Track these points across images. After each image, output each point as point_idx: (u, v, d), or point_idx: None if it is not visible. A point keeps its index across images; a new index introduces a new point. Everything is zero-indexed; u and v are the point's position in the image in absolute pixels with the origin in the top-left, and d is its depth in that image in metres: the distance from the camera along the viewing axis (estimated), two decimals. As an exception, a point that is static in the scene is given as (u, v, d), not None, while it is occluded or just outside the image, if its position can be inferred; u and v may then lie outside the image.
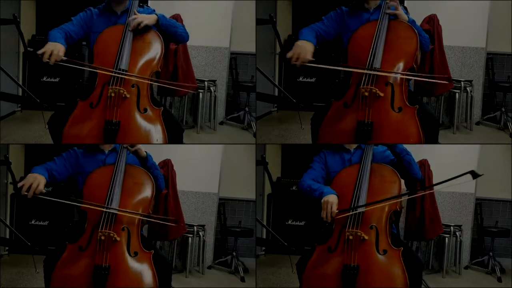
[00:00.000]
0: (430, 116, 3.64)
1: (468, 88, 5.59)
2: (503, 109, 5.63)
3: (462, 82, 5.56)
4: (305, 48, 3.49)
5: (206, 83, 5.65)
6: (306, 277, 3.49)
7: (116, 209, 3.44)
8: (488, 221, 5.62)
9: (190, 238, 5.38)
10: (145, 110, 3.53)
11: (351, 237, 3.38)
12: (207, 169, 5.62)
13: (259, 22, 5.25)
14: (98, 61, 3.55)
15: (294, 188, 5.71)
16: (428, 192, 3.41)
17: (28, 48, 3.51)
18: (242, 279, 5.24)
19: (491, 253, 5.39)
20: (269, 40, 5.80)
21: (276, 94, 5.98)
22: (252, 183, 5.38)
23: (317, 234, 3.61)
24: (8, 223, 5.43)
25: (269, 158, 5.38)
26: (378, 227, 3.41)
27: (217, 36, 5.79)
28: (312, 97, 5.81)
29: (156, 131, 3.55)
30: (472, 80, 5.64)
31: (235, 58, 5.86)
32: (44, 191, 3.42)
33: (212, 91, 5.69)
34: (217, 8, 5.76)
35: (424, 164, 4.84)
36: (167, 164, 4.87)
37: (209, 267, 5.55)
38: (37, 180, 3.42)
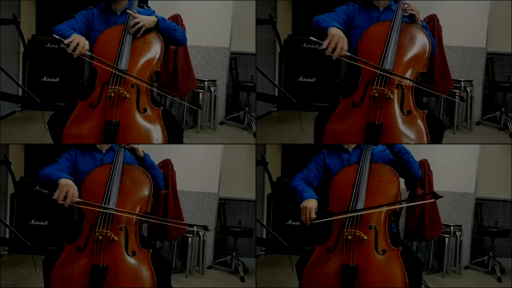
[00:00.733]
0: (437, 120, 3.62)
1: (468, 88, 5.59)
2: (503, 109, 5.63)
3: (462, 82, 5.56)
4: (342, 38, 3.35)
5: (206, 83, 5.65)
6: (305, 277, 3.49)
7: (113, 209, 3.44)
8: (488, 221, 5.62)
9: (190, 238, 5.38)
10: (145, 110, 3.54)
11: (350, 237, 3.38)
12: (207, 169, 5.62)
13: (259, 22, 5.25)
14: (98, 61, 3.55)
15: (294, 188, 5.70)
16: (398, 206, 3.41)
17: (54, 35, 3.48)
18: (242, 279, 5.24)
19: (491, 253, 5.39)
20: (269, 40, 5.80)
21: (276, 94, 5.97)
22: (252, 183, 5.38)
23: (316, 234, 3.60)
24: (8, 223, 5.43)
25: (269, 158, 5.38)
26: (377, 227, 3.41)
27: (217, 36, 5.79)
28: (312, 97, 5.81)
29: (156, 131, 3.55)
30: (472, 80, 5.64)
31: (235, 58, 5.86)
32: (88, 53, 3.45)
33: (212, 91, 5.69)
34: (217, 8, 5.76)
35: (424, 164, 4.84)
36: (167, 164, 4.87)
37: (209, 267, 5.55)
38: (72, 188, 3.39)
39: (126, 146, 3.59)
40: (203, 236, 5.45)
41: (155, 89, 3.66)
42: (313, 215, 3.41)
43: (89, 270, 3.38)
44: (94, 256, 3.39)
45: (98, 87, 3.54)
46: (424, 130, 3.44)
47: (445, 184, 5.43)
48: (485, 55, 5.70)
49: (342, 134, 3.54)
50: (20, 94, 5.65)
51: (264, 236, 5.69)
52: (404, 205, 3.44)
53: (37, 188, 5.46)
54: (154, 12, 3.79)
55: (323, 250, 3.46)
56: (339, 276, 3.37)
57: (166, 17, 3.79)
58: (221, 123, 5.78)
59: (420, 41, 3.51)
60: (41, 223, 5.50)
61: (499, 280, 5.21)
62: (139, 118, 3.52)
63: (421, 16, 5.01)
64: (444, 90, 4.51)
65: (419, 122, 3.44)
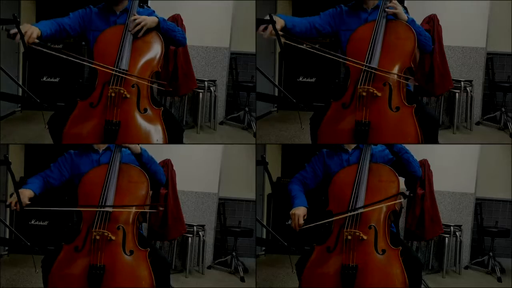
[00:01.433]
0: (429, 116, 3.65)
1: (468, 88, 5.59)
2: (503, 109, 5.62)
3: (462, 82, 5.56)
4: (279, 22, 3.59)
5: (206, 83, 5.65)
6: (305, 277, 3.49)
7: (110, 206, 3.45)
8: (488, 221, 5.62)
9: (190, 238, 5.38)
10: (145, 110, 3.54)
11: (349, 237, 3.38)
12: (207, 169, 5.62)
13: (259, 22, 5.24)
14: (98, 60, 3.56)
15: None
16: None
17: (2, 26, 3.53)
18: (242, 279, 5.24)
19: (491, 253, 5.39)
20: (269, 40, 5.78)
21: (276, 94, 5.97)
22: (252, 183, 5.38)
23: (316, 234, 3.61)
24: (8, 223, 5.43)
25: (269, 158, 5.38)
26: (376, 227, 3.41)
27: (217, 36, 5.79)
28: (312, 97, 5.81)
29: (156, 131, 3.56)
30: (472, 80, 5.64)
31: (235, 58, 5.86)
32: (28, 202, 3.54)
33: (212, 91, 5.68)
34: (217, 8, 5.75)
35: (424, 164, 4.84)
36: (167, 164, 4.86)
37: (209, 267, 5.55)
38: (31, 29, 3.45)
39: (123, 145, 3.60)
40: (203, 236, 5.45)
41: (154, 85, 3.65)
42: (301, 222, 3.53)
43: (87, 270, 3.38)
44: (92, 255, 3.39)
45: (99, 87, 3.54)
46: (414, 125, 3.46)
47: (445, 184, 5.44)
48: (485, 55, 5.70)
49: (334, 136, 3.58)
50: (20, 94, 5.65)
51: (264, 236, 5.69)
52: (377, 206, 3.44)
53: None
54: (154, 12, 3.79)
55: (323, 250, 3.47)
56: (339, 276, 3.38)
57: (166, 17, 3.80)
58: (221, 123, 5.78)
59: (405, 38, 3.53)
60: (41, 223, 5.50)
61: (499, 280, 5.21)
62: (140, 118, 3.53)
63: (421, 16, 5.07)
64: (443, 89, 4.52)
65: (408, 117, 3.46)
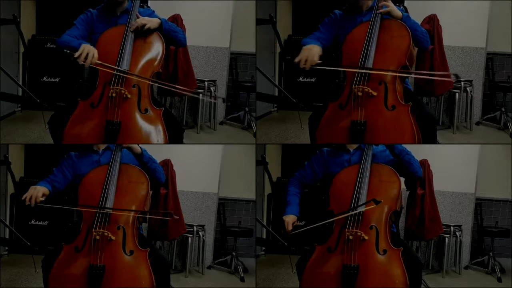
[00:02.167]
0: (427, 114, 3.65)
1: (468, 88, 5.59)
2: (503, 109, 5.63)
3: (462, 82, 5.56)
4: (312, 51, 3.54)
5: (206, 83, 5.65)
6: (306, 277, 3.49)
7: (110, 208, 3.45)
8: (488, 221, 5.62)
9: (189, 238, 5.38)
10: (146, 110, 3.54)
11: (351, 237, 3.38)
12: (207, 169, 5.62)
13: (259, 22, 5.25)
14: (100, 61, 3.55)
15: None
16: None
17: (65, 49, 3.58)
18: (242, 279, 5.24)
19: (491, 253, 5.39)
20: (269, 40, 5.80)
21: (276, 94, 5.97)
22: (252, 183, 5.38)
23: (317, 234, 3.62)
24: (8, 223, 5.43)
25: (269, 158, 5.38)
26: (378, 227, 3.41)
27: (217, 36, 5.79)
28: (312, 97, 5.81)
29: (156, 132, 3.56)
30: (472, 80, 5.64)
31: (235, 58, 5.86)
32: (42, 199, 3.50)
33: (212, 91, 5.68)
34: (217, 8, 5.75)
35: (424, 164, 4.84)
36: (167, 164, 4.87)
37: (209, 267, 5.55)
38: (37, 190, 3.50)
39: (124, 145, 3.60)
40: (203, 236, 5.45)
41: (157, 84, 3.65)
42: (289, 228, 3.65)
43: (87, 270, 3.38)
44: (92, 255, 3.39)
45: (100, 87, 3.54)
46: (410, 123, 3.47)
47: (445, 184, 5.44)
48: (485, 55, 5.70)
49: (332, 136, 3.59)
50: (20, 94, 5.65)
51: (264, 236, 5.69)
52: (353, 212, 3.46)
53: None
54: (154, 12, 3.80)
55: (323, 250, 3.47)
56: (340, 276, 3.38)
57: (166, 17, 3.80)
58: (221, 123, 5.78)
59: (399, 36, 3.54)
60: (41, 223, 5.50)
61: (499, 280, 5.21)
62: (140, 119, 3.53)
63: (421, 16, 5.08)
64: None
65: (405, 115, 3.47)
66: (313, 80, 6.01)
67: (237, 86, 5.87)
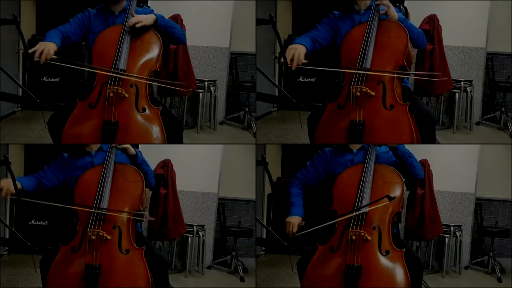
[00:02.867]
0: (425, 113, 3.65)
1: (468, 88, 5.59)
2: (503, 109, 5.62)
3: (462, 82, 5.56)
4: (297, 49, 3.56)
5: (206, 83, 5.65)
6: (307, 276, 3.49)
7: (104, 209, 3.45)
8: (488, 221, 5.62)
9: (189, 238, 5.38)
10: (144, 109, 3.54)
11: (354, 237, 3.38)
12: (207, 169, 5.62)
13: (259, 22, 5.24)
14: (97, 61, 3.56)
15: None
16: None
17: (20, 48, 3.56)
18: (242, 279, 5.24)
19: (491, 253, 5.39)
20: (269, 40, 5.79)
21: (276, 94, 5.97)
22: (252, 183, 5.38)
23: (319, 233, 3.60)
24: (7, 223, 5.43)
25: (269, 158, 5.37)
26: (381, 228, 3.41)
27: (217, 36, 5.79)
28: (312, 97, 5.81)
29: (155, 131, 3.56)
30: (472, 80, 5.64)
31: (235, 58, 5.86)
32: (54, 57, 3.47)
33: (212, 91, 5.68)
34: (217, 8, 5.75)
35: (424, 164, 4.84)
36: (166, 164, 4.87)
37: (209, 267, 5.55)
38: (48, 47, 3.47)
39: (118, 147, 3.60)
40: (202, 236, 5.45)
41: (155, 84, 3.65)
42: (294, 230, 3.61)
43: (83, 270, 3.39)
44: (88, 255, 3.40)
45: (97, 87, 3.54)
46: (408, 122, 3.48)
47: (445, 184, 5.44)
48: (485, 55, 5.70)
49: (331, 136, 3.60)
50: (20, 94, 5.65)
51: (264, 236, 5.69)
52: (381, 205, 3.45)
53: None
54: (153, 11, 3.79)
55: (325, 249, 3.46)
56: (341, 276, 3.37)
57: (166, 17, 3.79)
58: (221, 123, 5.78)
59: (396, 35, 3.55)
60: (41, 223, 5.50)
61: (499, 280, 5.21)
62: (138, 118, 3.53)
63: (421, 16, 5.08)
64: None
65: (403, 114, 3.48)
66: (313, 80, 6.01)
67: (237, 86, 5.87)
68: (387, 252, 3.38)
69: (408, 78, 3.66)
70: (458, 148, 5.50)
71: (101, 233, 3.41)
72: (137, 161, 3.67)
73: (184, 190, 5.41)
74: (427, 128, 3.60)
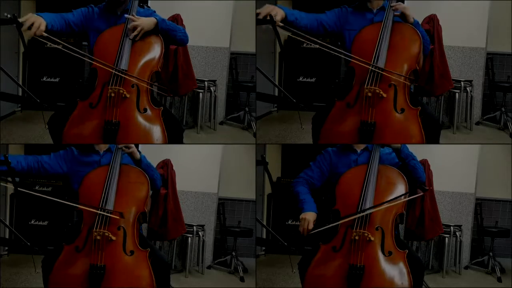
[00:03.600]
0: (432, 118, 3.65)
1: (468, 88, 5.59)
2: (503, 109, 5.63)
3: (462, 82, 5.56)
4: (275, 9, 3.54)
5: (206, 83, 5.65)
6: (309, 276, 3.48)
7: (110, 210, 3.45)
8: (488, 221, 5.62)
9: (189, 238, 5.38)
10: (145, 110, 3.54)
11: (357, 238, 3.38)
12: (207, 169, 5.62)
13: (259, 22, 5.24)
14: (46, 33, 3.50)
15: (294, 188, 5.71)
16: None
17: (7, 14, 3.41)
18: (242, 279, 5.24)
19: (491, 253, 5.39)
20: (269, 40, 5.80)
21: (276, 94, 5.97)
22: (252, 183, 5.38)
23: (321, 233, 3.59)
24: (7, 223, 5.43)
25: (269, 158, 5.37)
26: (384, 229, 3.41)
27: (217, 36, 5.79)
28: (312, 97, 5.81)
29: (156, 131, 3.56)
30: (472, 80, 5.64)
31: (235, 58, 5.86)
32: (45, 34, 3.35)
33: (212, 91, 5.68)
34: (217, 8, 5.75)
35: (424, 164, 4.84)
36: (166, 164, 4.86)
37: (209, 267, 5.55)
38: (39, 20, 3.38)
39: (126, 150, 3.60)
40: (202, 236, 5.45)
41: (154, 88, 3.65)
42: (310, 227, 3.53)
43: (87, 270, 3.38)
44: (92, 255, 3.40)
45: (98, 88, 3.54)
46: (418, 127, 3.48)
47: (445, 184, 5.44)
48: (485, 55, 5.70)
49: (338, 135, 3.58)
50: (20, 94, 5.65)
51: (264, 236, 5.69)
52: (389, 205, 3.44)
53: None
54: (154, 12, 3.79)
55: (328, 249, 3.46)
56: (344, 276, 3.37)
57: (166, 17, 3.79)
58: (221, 123, 5.78)
59: (411, 40, 3.54)
60: (41, 223, 5.50)
61: (499, 280, 5.21)
62: (139, 118, 3.53)
63: (421, 16, 5.06)
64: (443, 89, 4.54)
65: (413, 119, 3.48)
66: (313, 80, 6.01)
67: (237, 86, 5.87)
68: (390, 253, 3.38)
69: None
70: (458, 148, 5.50)
71: (106, 234, 3.41)
72: (141, 166, 3.67)
73: (184, 190, 5.41)
74: (433, 132, 3.60)
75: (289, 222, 5.73)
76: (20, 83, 5.66)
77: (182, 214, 5.07)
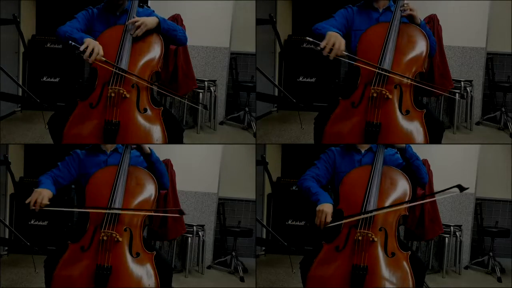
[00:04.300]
0: (436, 120, 3.65)
1: (468, 88, 5.59)
2: (503, 109, 5.63)
3: (462, 82, 5.56)
4: (339, 39, 3.40)
5: (206, 83, 5.65)
6: (311, 276, 3.47)
7: (118, 209, 3.45)
8: (488, 221, 5.62)
9: (189, 238, 5.38)
10: (145, 110, 3.54)
11: (360, 238, 3.37)
12: (207, 169, 5.62)
13: (259, 22, 5.25)
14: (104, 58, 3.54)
15: (294, 188, 5.71)
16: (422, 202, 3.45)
17: (70, 41, 3.48)
18: (242, 279, 5.24)
19: (491, 253, 5.39)
20: (269, 40, 5.80)
21: (276, 94, 5.97)
22: (252, 183, 5.38)
23: (321, 232, 3.57)
24: (7, 223, 5.43)
25: (269, 158, 5.38)
26: (387, 230, 3.41)
27: (217, 36, 5.79)
28: (312, 97, 5.81)
29: (156, 131, 3.55)
30: (472, 80, 5.64)
31: (235, 58, 5.86)
32: (48, 203, 3.45)
33: (212, 91, 5.68)
34: (217, 8, 5.75)
35: (424, 164, 4.84)
36: (166, 164, 4.85)
37: (209, 267, 5.55)
38: (41, 195, 3.45)
39: (133, 146, 3.60)
40: (202, 236, 5.45)
41: (155, 88, 3.65)
42: (329, 219, 3.42)
43: (93, 270, 3.39)
44: (99, 256, 3.39)
45: (98, 88, 3.54)
46: (422, 130, 3.48)
47: (445, 184, 5.42)
48: (485, 55, 5.70)
49: (342, 134, 3.57)
50: (20, 94, 5.65)
51: (264, 236, 5.69)
52: (427, 200, 3.43)
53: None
54: (153, 11, 3.79)
55: (331, 249, 3.45)
56: (347, 276, 3.37)
57: (166, 17, 3.79)
58: (221, 123, 5.78)
59: (418, 42, 3.54)
60: (41, 223, 5.50)
61: (499, 280, 5.21)
62: (139, 118, 3.53)
63: (421, 16, 5.05)
64: (443, 89, 4.52)
65: (418, 121, 3.48)
66: (313, 80, 6.01)
67: (237, 86, 5.87)
68: (393, 254, 3.38)
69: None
70: (458, 148, 5.50)
71: (114, 234, 3.41)
72: (152, 159, 3.67)
73: (184, 190, 5.41)
74: (436, 135, 3.59)
75: (289, 222, 5.72)
76: (20, 83, 5.66)
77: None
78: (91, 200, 3.52)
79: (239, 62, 5.88)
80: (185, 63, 5.21)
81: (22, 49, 5.65)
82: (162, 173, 3.72)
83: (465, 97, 5.55)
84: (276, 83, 5.96)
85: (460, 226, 5.48)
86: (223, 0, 5.73)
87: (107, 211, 3.44)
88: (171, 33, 3.68)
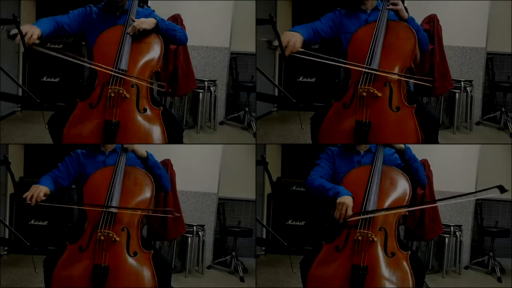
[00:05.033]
0: (430, 116, 3.66)
1: (468, 88, 5.59)
2: (503, 109, 5.63)
3: (462, 82, 5.56)
4: (294, 36, 3.52)
5: (206, 83, 5.65)
6: (311, 276, 3.47)
7: (115, 207, 3.45)
8: (488, 221, 5.62)
9: (189, 238, 5.38)
10: (145, 110, 3.54)
11: (360, 238, 3.37)
12: (207, 169, 5.62)
13: (259, 22, 5.24)
14: (98, 61, 3.56)
15: (294, 188, 5.71)
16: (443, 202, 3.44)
17: (3, 28, 3.52)
18: (242, 279, 5.24)
19: (491, 253, 5.39)
20: (269, 40, 5.78)
21: (276, 94, 5.97)
22: (252, 183, 5.38)
23: (322, 231, 3.58)
24: (7, 223, 5.43)
25: (269, 158, 5.37)
26: (387, 230, 3.40)
27: (217, 36, 5.79)
28: (312, 97, 5.81)
29: (155, 131, 3.56)
30: (472, 80, 5.64)
31: (235, 58, 5.86)
32: (43, 198, 3.50)
33: (212, 91, 5.68)
34: (217, 8, 5.75)
35: (424, 164, 4.84)
36: (166, 164, 4.85)
37: (209, 267, 5.55)
38: (38, 190, 3.49)
39: (128, 148, 3.60)
40: (202, 236, 5.45)
41: (155, 86, 3.65)
42: (350, 212, 3.36)
43: (91, 270, 3.39)
44: (96, 256, 3.40)
45: (98, 88, 3.54)
46: (414, 125, 3.48)
47: (445, 184, 5.43)
48: (485, 55, 5.70)
49: (335, 135, 3.59)
50: (20, 94, 5.65)
51: (264, 236, 5.69)
52: (461, 200, 3.43)
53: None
54: (154, 11, 3.79)
55: (331, 249, 3.45)
56: (347, 276, 3.36)
57: (166, 17, 3.79)
58: (221, 123, 5.78)
59: (405, 38, 3.55)
60: (41, 223, 5.50)
61: (499, 280, 5.21)
62: (139, 118, 3.53)
63: (421, 16, 5.07)
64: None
65: (409, 117, 3.48)
66: (313, 80, 6.01)
67: (237, 86, 5.87)
68: (393, 254, 3.38)
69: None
70: (458, 148, 5.50)
71: (111, 234, 3.41)
72: (148, 163, 3.67)
73: (184, 190, 5.41)
74: (431, 131, 3.60)
75: (289, 222, 5.72)
76: (20, 83, 5.66)
77: (182, 214, 5.07)
78: (89, 199, 3.53)
79: (239, 62, 5.88)
80: (185, 63, 5.21)
81: (22, 49, 5.65)
82: (161, 177, 3.72)
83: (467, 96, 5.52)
84: (276, 83, 5.96)
85: (460, 226, 5.48)
86: (223, 0, 5.73)
87: (103, 209, 3.45)
88: (170, 33, 3.68)
